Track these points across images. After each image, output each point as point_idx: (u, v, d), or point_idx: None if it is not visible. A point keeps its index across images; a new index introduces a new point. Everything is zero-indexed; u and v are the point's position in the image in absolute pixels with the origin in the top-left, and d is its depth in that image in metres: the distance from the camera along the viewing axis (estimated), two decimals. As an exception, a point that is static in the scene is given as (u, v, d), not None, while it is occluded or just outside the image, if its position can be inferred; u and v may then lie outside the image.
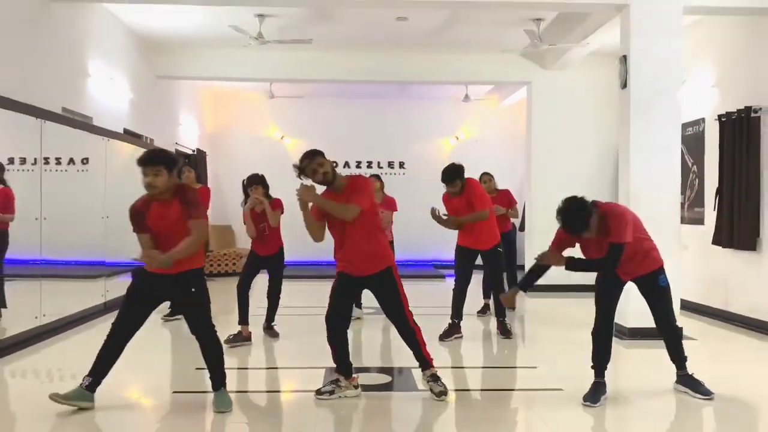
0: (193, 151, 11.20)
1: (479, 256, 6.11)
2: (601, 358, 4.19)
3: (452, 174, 5.86)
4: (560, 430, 3.77)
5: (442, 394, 4.10)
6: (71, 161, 7.19)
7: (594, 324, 4.22)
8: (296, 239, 6.23)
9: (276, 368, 5.34)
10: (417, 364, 4.28)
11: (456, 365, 5.29)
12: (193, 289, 3.89)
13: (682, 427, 4.04)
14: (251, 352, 5.58)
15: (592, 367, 4.21)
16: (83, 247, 7.22)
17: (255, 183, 5.79)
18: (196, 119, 11.70)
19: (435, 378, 4.18)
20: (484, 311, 7.24)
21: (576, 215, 3.87)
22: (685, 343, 5.87)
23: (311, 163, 4.06)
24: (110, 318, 6.47)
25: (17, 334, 5.60)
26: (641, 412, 4.15)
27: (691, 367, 4.43)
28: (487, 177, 7.43)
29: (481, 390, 4.65)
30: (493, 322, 6.41)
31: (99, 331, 6.41)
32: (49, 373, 5.01)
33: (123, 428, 3.81)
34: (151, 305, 3.99)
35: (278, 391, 4.65)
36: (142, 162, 3.79)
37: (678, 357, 4.36)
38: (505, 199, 7.47)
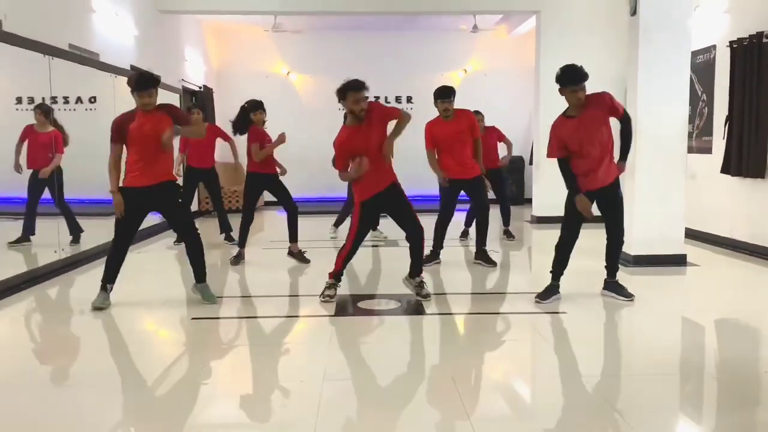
0: (200, 87, 11.17)
1: (463, 188, 6.20)
2: (562, 265, 4.90)
3: (450, 89, 6.05)
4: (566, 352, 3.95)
5: (428, 296, 4.88)
6: (79, 100, 7.23)
7: (561, 237, 4.87)
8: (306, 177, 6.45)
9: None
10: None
11: (461, 291, 5.45)
12: (179, 198, 4.87)
13: (686, 346, 4.19)
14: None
15: (551, 272, 4.89)
16: (96, 185, 7.34)
17: (260, 108, 6.31)
18: (201, 55, 11.61)
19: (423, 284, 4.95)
20: (465, 235, 7.78)
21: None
22: (687, 269, 6.10)
23: (357, 93, 4.58)
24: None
25: (38, 268, 5.81)
26: (649, 335, 4.31)
27: (694, 291, 4.84)
28: (480, 116, 7.61)
29: (491, 314, 4.81)
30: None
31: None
32: (66, 304, 5.23)
33: (150, 353, 4.01)
34: (143, 215, 4.80)
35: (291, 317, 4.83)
36: (141, 86, 4.58)
37: (615, 265, 5.00)
38: (494, 135, 7.78)
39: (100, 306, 4.65)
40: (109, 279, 4.77)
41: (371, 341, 4.15)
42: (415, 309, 4.69)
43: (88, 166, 6.91)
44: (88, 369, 3.63)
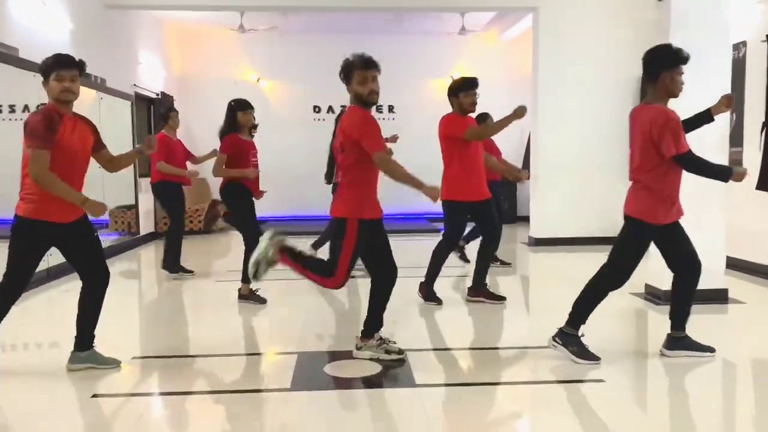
0: (157, 94, 9.98)
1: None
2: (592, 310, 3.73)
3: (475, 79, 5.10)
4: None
5: (401, 352, 3.73)
6: (26, 108, 6.13)
7: (613, 275, 3.68)
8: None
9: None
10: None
11: (460, 345, 4.28)
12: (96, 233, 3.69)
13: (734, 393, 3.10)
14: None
15: (577, 315, 3.69)
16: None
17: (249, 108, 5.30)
18: (160, 59, 10.41)
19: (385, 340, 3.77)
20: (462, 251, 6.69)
21: None
22: (732, 307, 5.01)
23: (376, 71, 3.78)
24: (53, 286, 5.34)
25: None
26: (695, 381, 3.18)
27: (747, 339, 4.17)
28: (490, 118, 6.68)
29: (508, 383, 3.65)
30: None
31: (41, 300, 5.44)
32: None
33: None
34: (42, 257, 3.59)
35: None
36: (59, 65, 3.38)
37: (688, 313, 3.84)
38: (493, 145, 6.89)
39: None
40: None
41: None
42: (402, 377, 3.51)
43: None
44: None
